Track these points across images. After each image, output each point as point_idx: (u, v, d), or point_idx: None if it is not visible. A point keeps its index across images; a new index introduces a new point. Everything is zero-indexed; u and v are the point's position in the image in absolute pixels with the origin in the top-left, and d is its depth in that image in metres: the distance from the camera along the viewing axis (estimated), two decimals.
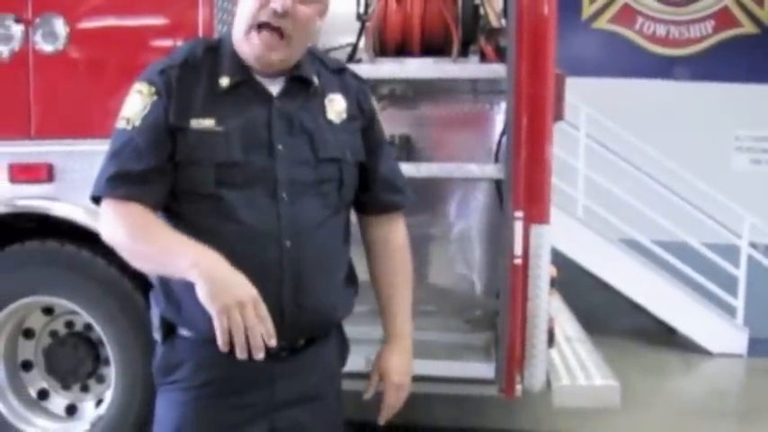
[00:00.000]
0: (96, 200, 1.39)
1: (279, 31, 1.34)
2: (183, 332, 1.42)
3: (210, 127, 1.35)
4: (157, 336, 1.47)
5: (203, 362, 1.41)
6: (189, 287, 1.38)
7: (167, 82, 1.37)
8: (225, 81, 1.38)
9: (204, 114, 1.36)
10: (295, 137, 1.39)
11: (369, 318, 2.59)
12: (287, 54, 1.37)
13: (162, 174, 1.35)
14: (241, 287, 1.24)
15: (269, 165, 1.37)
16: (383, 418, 1.57)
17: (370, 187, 1.51)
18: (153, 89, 1.37)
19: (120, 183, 1.34)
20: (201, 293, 1.23)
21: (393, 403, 1.56)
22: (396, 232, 1.56)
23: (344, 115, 1.46)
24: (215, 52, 1.41)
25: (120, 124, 1.38)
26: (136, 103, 1.37)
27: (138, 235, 1.33)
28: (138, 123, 1.36)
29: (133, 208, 1.34)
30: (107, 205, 1.36)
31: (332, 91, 1.46)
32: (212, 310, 1.22)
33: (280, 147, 1.38)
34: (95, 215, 2.42)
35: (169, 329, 1.44)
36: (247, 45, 1.37)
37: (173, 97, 1.36)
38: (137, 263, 1.36)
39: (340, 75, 1.50)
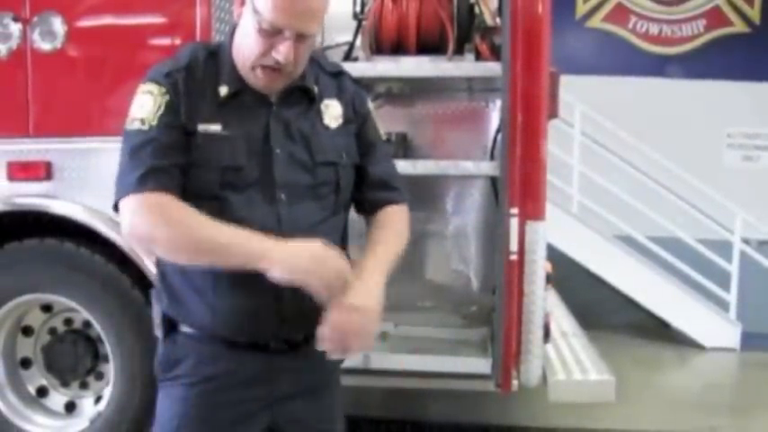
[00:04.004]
0: (116, 205, 1.36)
1: (281, 70, 1.37)
2: (185, 329, 1.44)
3: (217, 131, 1.37)
4: (159, 332, 1.48)
5: (204, 358, 1.42)
6: (190, 285, 1.41)
7: (174, 85, 1.37)
8: (224, 90, 1.40)
9: (210, 120, 1.37)
10: (293, 141, 1.42)
11: None
12: (290, 80, 1.41)
13: (182, 172, 1.35)
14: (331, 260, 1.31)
15: (268, 168, 1.39)
16: (321, 339, 1.32)
17: (364, 188, 1.52)
18: (163, 89, 1.37)
19: (150, 178, 1.32)
20: (281, 274, 1.28)
21: (337, 320, 1.30)
22: (392, 208, 1.52)
23: (341, 120, 1.48)
24: (215, 59, 1.43)
25: (134, 126, 1.36)
26: (148, 104, 1.37)
27: (191, 226, 1.30)
28: (155, 123, 1.35)
29: (170, 200, 1.31)
30: (137, 201, 1.31)
31: (328, 96, 1.48)
32: (298, 283, 1.29)
33: (278, 151, 1.40)
34: (94, 213, 2.49)
35: (170, 326, 1.45)
36: (252, 76, 1.39)
37: (181, 100, 1.37)
38: (182, 255, 1.32)
39: (337, 78, 1.52)
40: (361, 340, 1.34)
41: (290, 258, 1.29)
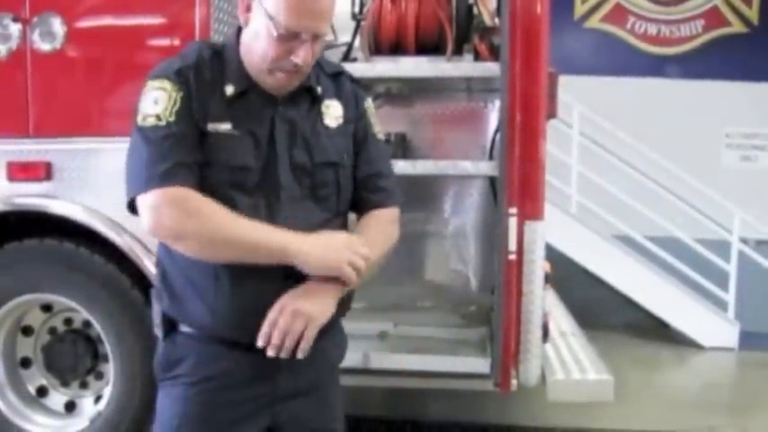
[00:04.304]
0: (132, 205, 1.35)
1: (298, 71, 1.38)
2: (185, 328, 1.45)
3: (227, 130, 1.37)
4: (159, 332, 1.48)
5: (204, 357, 1.43)
6: (191, 285, 1.41)
7: (186, 82, 1.37)
8: (230, 89, 1.40)
9: (220, 119, 1.37)
10: (295, 142, 1.42)
11: (364, 314, 2.63)
12: (303, 79, 1.42)
13: (199, 169, 1.35)
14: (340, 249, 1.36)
15: (271, 169, 1.39)
16: (260, 337, 1.35)
17: (355, 187, 1.52)
18: (176, 86, 1.36)
19: (174, 173, 1.31)
20: (315, 269, 1.33)
21: (277, 321, 1.34)
22: (378, 213, 1.52)
23: (341, 120, 1.49)
24: (220, 58, 1.43)
25: (149, 122, 1.34)
26: (163, 100, 1.35)
27: (221, 222, 1.30)
28: (172, 119, 1.34)
29: (196, 195, 1.31)
30: (162, 196, 1.30)
31: (329, 97, 1.49)
32: (333, 272, 1.34)
33: (281, 152, 1.40)
34: (93, 213, 2.49)
35: (170, 326, 1.46)
36: (269, 78, 1.39)
37: (193, 98, 1.37)
38: (211, 251, 1.32)
39: (337, 79, 1.53)
40: (301, 344, 1.34)
41: (322, 252, 1.33)
